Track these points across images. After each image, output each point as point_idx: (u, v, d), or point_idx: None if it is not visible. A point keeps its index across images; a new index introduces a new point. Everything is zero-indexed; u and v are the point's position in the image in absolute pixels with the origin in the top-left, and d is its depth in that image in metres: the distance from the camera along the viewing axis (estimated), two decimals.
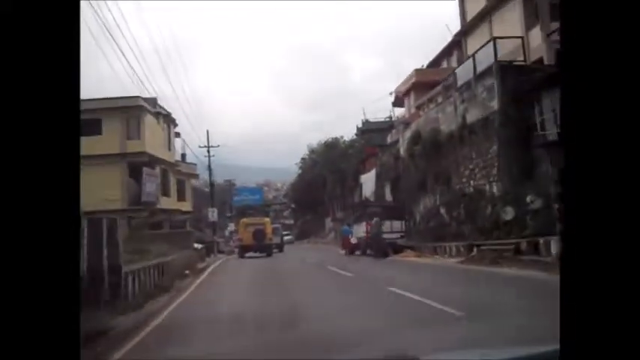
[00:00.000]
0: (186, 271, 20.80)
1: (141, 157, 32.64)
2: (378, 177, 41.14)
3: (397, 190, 33.56)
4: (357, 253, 28.56)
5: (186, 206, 46.62)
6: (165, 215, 37.81)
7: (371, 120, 58.27)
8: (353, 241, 29.20)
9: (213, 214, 39.81)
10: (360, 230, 28.33)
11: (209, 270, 23.56)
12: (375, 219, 25.05)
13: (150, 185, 33.14)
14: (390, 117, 54.64)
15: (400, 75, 65.06)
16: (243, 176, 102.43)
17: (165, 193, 37.87)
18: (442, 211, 25.27)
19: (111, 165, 32.44)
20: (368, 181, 44.94)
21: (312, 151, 70.08)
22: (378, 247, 23.95)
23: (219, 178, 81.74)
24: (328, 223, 65.72)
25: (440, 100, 30.58)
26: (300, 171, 74.47)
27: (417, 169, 29.38)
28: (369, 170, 45.65)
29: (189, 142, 78.84)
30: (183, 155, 47.09)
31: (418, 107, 36.64)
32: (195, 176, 47.85)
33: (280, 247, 38.93)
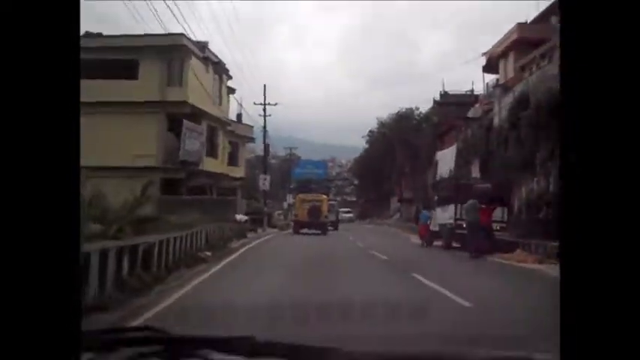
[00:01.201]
0: (207, 253, 14.85)
1: (182, 107, 26.90)
2: (460, 153, 34.12)
3: (488, 170, 26.49)
4: (437, 243, 21.87)
5: (239, 172, 41.05)
6: (210, 179, 32.24)
7: (450, 92, 50.87)
8: (433, 228, 22.36)
9: (265, 182, 33.87)
10: (444, 215, 21.40)
11: (241, 251, 17.55)
12: (470, 201, 18.14)
13: (191, 142, 27.43)
14: (472, 90, 47.38)
15: (475, 51, 56.93)
16: (307, 151, 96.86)
17: (212, 154, 32.20)
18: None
19: (146, 115, 26.99)
20: (445, 158, 37.93)
21: (381, 124, 63.09)
22: (475, 241, 17.09)
23: (281, 150, 76.47)
24: (394, 203, 59.03)
25: (556, 55, 23.28)
26: (366, 145, 67.63)
27: (522, 142, 22.31)
28: (447, 146, 38.82)
29: (247, 105, 73.50)
30: (239, 116, 41.43)
31: (523, 67, 29.27)
32: (251, 140, 41.98)
33: (335, 225, 36.78)
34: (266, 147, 35.72)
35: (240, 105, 36.14)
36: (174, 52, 26.63)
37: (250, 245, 20.27)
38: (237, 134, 40.22)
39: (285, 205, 58.39)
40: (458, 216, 19.61)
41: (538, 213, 19.72)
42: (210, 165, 31.35)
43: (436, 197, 24.30)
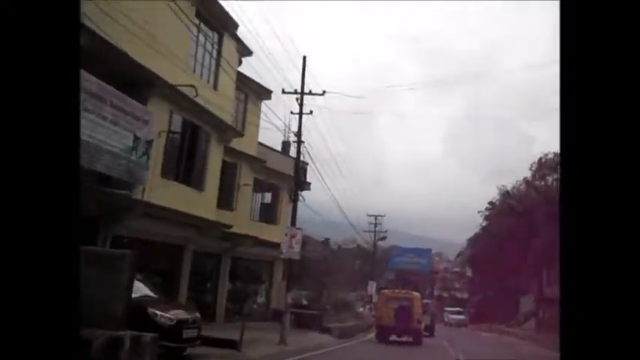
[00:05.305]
0: None
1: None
2: None
3: None
4: None
5: (278, 234, 24.37)
6: (193, 233, 15.89)
7: None
8: None
9: (292, 243, 16.66)
10: None
11: None
12: None
13: (102, 128, 11.30)
14: None
15: None
16: (403, 244, 79.49)
17: (190, 181, 15.97)
18: None
19: None
20: None
21: (506, 194, 44.42)
22: None
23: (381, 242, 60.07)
24: (526, 303, 39.31)
25: None
26: (484, 223, 48.55)
27: None
28: None
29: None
30: (286, 144, 25.26)
31: None
32: (305, 185, 25.15)
33: (430, 331, 30.18)
34: (298, 170, 18.53)
35: (266, 119, 19.56)
36: None
37: None
38: (276, 171, 23.95)
39: (369, 290, 41.42)
40: None
41: None
42: (174, 198, 15.04)
43: None
